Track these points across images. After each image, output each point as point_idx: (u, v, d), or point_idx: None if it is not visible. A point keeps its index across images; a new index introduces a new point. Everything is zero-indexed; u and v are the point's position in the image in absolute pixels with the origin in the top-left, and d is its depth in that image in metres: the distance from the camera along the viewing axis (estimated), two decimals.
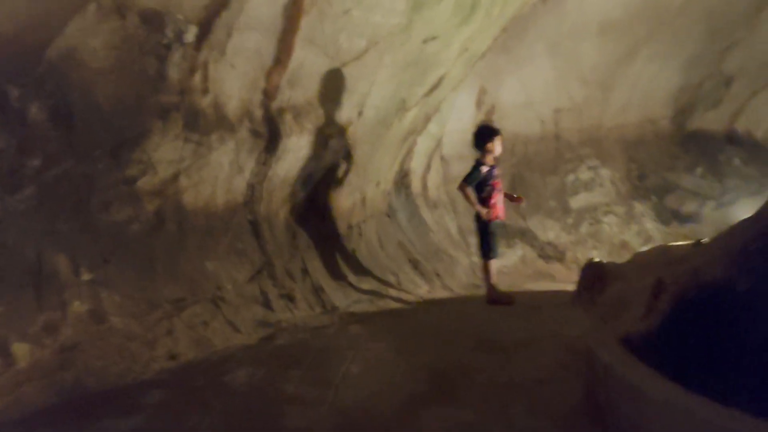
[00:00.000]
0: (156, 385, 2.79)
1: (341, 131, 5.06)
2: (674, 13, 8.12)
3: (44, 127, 3.14)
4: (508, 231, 7.47)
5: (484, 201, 4.68)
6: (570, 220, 8.39)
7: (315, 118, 4.70)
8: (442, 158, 7.74)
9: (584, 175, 8.75)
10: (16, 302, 2.87)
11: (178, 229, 3.83)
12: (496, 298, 4.68)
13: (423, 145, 7.14)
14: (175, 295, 3.57)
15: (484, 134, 4.80)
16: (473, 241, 5.86)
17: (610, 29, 7.99)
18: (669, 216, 8.71)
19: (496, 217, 4.74)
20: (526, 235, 7.98)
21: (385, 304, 4.81)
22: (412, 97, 5.76)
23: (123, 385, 2.81)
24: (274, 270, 4.40)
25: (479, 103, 7.91)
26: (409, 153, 6.97)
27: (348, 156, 5.33)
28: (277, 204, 4.77)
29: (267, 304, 4.08)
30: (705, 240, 3.67)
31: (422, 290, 5.67)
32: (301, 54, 4.22)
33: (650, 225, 8.52)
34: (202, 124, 3.84)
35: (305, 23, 4.07)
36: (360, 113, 5.17)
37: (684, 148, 9.56)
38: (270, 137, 4.39)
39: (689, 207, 8.76)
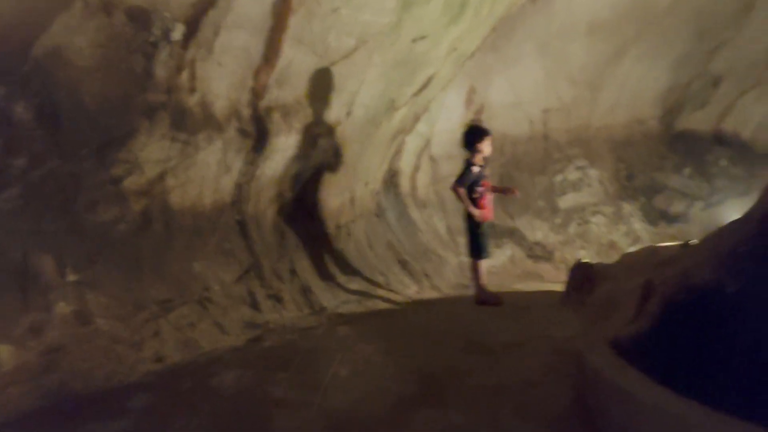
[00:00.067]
0: (142, 387, 2.76)
1: (330, 130, 5.04)
2: (662, 13, 8.16)
3: (30, 126, 3.10)
4: (496, 231, 7.48)
5: (475, 202, 4.67)
6: (558, 220, 8.41)
7: (303, 117, 4.67)
8: (431, 158, 7.73)
9: (572, 175, 8.78)
10: (0, 304, 2.83)
11: (165, 230, 3.80)
12: (484, 299, 4.67)
13: (412, 144, 7.13)
14: (161, 296, 3.54)
15: (474, 134, 4.79)
16: (462, 240, 5.86)
17: (598, 29, 8.02)
18: (657, 216, 8.75)
19: (487, 218, 4.75)
20: (514, 235, 8.00)
21: (374, 304, 4.79)
22: (402, 96, 5.74)
23: (109, 387, 2.78)
24: (261, 270, 4.37)
25: (468, 103, 7.91)
26: (398, 152, 6.96)
27: (337, 155, 5.31)
28: (265, 204, 4.73)
29: (255, 305, 4.05)
30: (693, 241, 3.68)
31: (411, 290, 5.66)
32: (290, 53, 4.19)
33: (638, 225, 8.56)
34: (190, 123, 3.81)
35: (294, 22, 4.04)
36: (349, 112, 5.15)
37: (672, 148, 9.61)
38: (258, 136, 4.36)
39: (677, 207, 8.81)
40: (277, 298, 4.28)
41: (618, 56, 8.52)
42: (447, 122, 7.50)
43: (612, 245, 8.11)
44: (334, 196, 5.58)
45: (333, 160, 5.29)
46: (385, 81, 5.27)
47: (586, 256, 6.96)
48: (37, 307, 2.95)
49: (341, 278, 5.08)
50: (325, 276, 4.97)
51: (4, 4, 2.95)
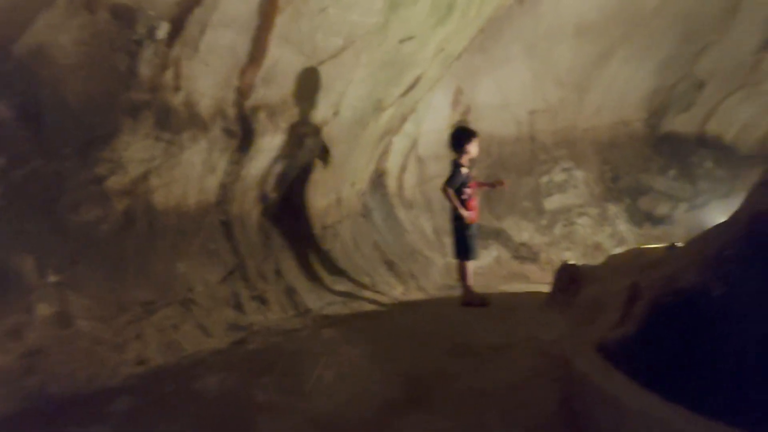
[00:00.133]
0: (124, 391, 2.72)
1: (317, 130, 5.00)
2: (649, 15, 8.19)
3: (12, 125, 3.06)
4: (482, 232, 7.48)
5: (464, 203, 4.67)
6: (544, 222, 8.44)
7: (290, 117, 4.64)
8: (418, 158, 7.72)
9: (558, 176, 8.81)
10: None
11: (149, 230, 3.75)
12: (471, 300, 4.67)
13: (399, 145, 7.12)
14: (144, 297, 3.49)
15: (462, 135, 4.79)
16: (448, 241, 5.85)
17: (585, 31, 8.04)
18: (642, 218, 8.80)
19: (475, 220, 4.75)
20: (500, 236, 8.01)
21: (360, 306, 4.77)
22: (389, 96, 5.72)
23: (90, 391, 2.73)
24: (246, 271, 4.33)
25: (455, 104, 7.92)
26: (385, 153, 6.95)
27: (324, 156, 5.27)
28: (250, 204, 4.70)
29: (239, 307, 4.01)
30: (679, 244, 3.70)
31: (397, 291, 5.64)
32: (277, 52, 4.16)
33: (623, 227, 8.60)
34: (174, 122, 3.77)
35: (281, 21, 4.01)
36: (336, 112, 5.13)
37: (657, 150, 9.66)
38: (243, 136, 4.32)
39: (662, 209, 8.86)
40: (262, 300, 4.24)
41: (604, 58, 8.55)
42: (434, 123, 7.50)
43: (597, 246, 8.15)
44: (321, 197, 5.55)
45: (319, 161, 5.25)
46: (372, 81, 5.24)
47: (572, 258, 6.99)
48: (17, 308, 2.91)
49: (327, 279, 5.05)
50: (311, 277, 4.94)
51: None
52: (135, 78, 3.46)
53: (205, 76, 3.88)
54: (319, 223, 5.49)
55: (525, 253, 7.89)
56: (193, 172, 4.05)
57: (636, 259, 4.21)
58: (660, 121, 9.81)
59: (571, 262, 4.58)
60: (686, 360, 1.98)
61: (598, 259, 6.35)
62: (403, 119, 6.69)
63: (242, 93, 4.18)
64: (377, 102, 5.60)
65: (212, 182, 4.27)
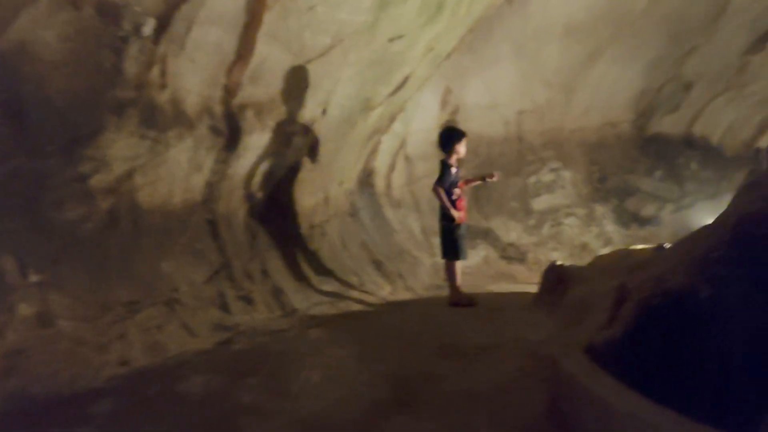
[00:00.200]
0: (106, 393, 2.68)
1: (305, 129, 4.97)
2: (637, 17, 8.22)
3: None
4: (470, 232, 7.47)
5: (453, 203, 4.66)
6: (532, 222, 8.45)
7: (278, 115, 4.61)
8: (407, 158, 7.70)
9: (546, 177, 8.83)
10: None
11: (133, 229, 3.71)
12: (459, 300, 4.66)
13: (387, 144, 7.09)
14: (128, 297, 3.45)
15: (452, 136, 4.78)
16: (436, 241, 5.84)
17: (574, 31, 8.05)
18: (629, 218, 8.84)
19: (464, 220, 4.75)
20: (488, 236, 8.01)
21: (347, 306, 4.74)
22: (377, 96, 5.70)
23: (71, 393, 2.69)
24: (232, 271, 4.29)
25: (444, 104, 7.90)
26: (373, 152, 6.92)
27: (311, 154, 5.24)
28: (236, 203, 4.66)
29: (224, 307, 3.97)
30: (667, 245, 3.71)
31: (385, 291, 5.62)
32: (264, 50, 4.12)
33: (610, 227, 8.63)
34: (160, 120, 3.72)
35: (268, 18, 3.97)
36: (324, 111, 5.09)
37: (644, 151, 9.71)
38: (230, 134, 4.28)
39: (649, 210, 8.91)
40: (248, 300, 4.20)
41: (592, 59, 8.58)
42: (422, 122, 7.48)
43: (584, 247, 8.17)
44: (308, 196, 5.52)
45: (307, 159, 5.22)
46: (360, 80, 5.22)
47: (559, 258, 7.00)
48: None
49: (314, 279, 5.02)
50: (298, 277, 4.90)
51: None
52: (120, 75, 3.42)
53: (192, 74, 3.83)
54: (306, 223, 5.45)
55: (513, 253, 7.90)
56: (178, 171, 4.01)
57: (623, 259, 4.22)
58: (647, 122, 9.87)
59: (559, 262, 4.58)
60: (674, 362, 1.98)
61: (585, 260, 6.36)
62: (392, 118, 6.67)
63: (229, 91, 4.14)
64: (366, 101, 5.57)
65: (198, 181, 4.23)
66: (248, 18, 3.89)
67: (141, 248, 3.73)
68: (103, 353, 3.04)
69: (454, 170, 4.70)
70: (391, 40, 5.06)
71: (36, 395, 2.66)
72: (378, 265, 6.16)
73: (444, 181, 4.65)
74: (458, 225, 4.68)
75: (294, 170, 5.16)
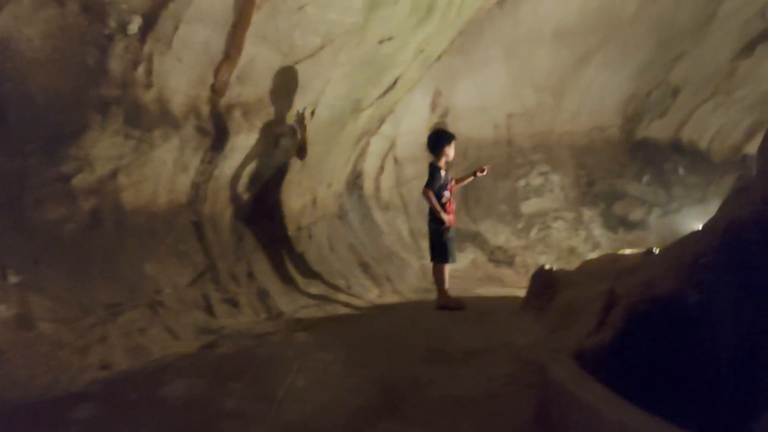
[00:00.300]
0: (86, 397, 2.61)
1: (293, 130, 4.93)
2: (626, 22, 8.26)
3: None
4: (459, 235, 7.46)
5: (443, 206, 4.64)
6: (520, 225, 8.46)
7: (266, 116, 4.56)
8: (396, 160, 7.69)
9: (535, 180, 8.84)
10: None
11: (116, 230, 3.65)
12: (447, 304, 4.63)
13: (377, 146, 7.07)
14: (110, 299, 3.39)
15: (441, 138, 4.76)
16: (425, 244, 5.82)
17: (564, 35, 8.08)
18: (616, 223, 8.87)
19: (453, 223, 4.73)
20: (477, 239, 8.00)
21: (334, 309, 4.70)
22: (367, 97, 5.67)
23: (50, 397, 2.62)
24: (217, 273, 4.24)
25: (434, 106, 7.90)
26: (362, 154, 6.89)
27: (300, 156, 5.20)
28: (222, 204, 4.61)
29: (209, 310, 3.92)
30: (656, 249, 3.71)
31: (372, 294, 5.59)
32: (253, 49, 4.08)
33: (598, 231, 8.65)
34: (145, 119, 3.67)
35: (257, 18, 3.93)
36: (313, 112, 5.06)
37: (632, 156, 9.76)
38: (217, 135, 4.23)
39: (636, 214, 8.94)
40: (233, 303, 4.15)
41: (582, 63, 8.60)
42: (412, 124, 7.47)
43: (572, 251, 8.18)
44: (296, 198, 5.48)
45: (295, 161, 5.18)
46: (350, 81, 5.19)
47: (547, 261, 6.99)
48: None
49: (301, 282, 4.97)
50: (284, 279, 4.86)
51: None
52: (105, 73, 3.37)
53: (179, 73, 3.79)
54: (293, 225, 5.41)
55: (501, 257, 7.90)
56: (164, 171, 3.96)
57: (611, 264, 4.22)
58: (635, 126, 9.92)
59: (547, 266, 4.57)
60: (663, 367, 1.97)
61: (573, 263, 6.37)
62: (382, 120, 6.64)
63: (217, 91, 4.10)
64: (355, 102, 5.54)
65: (184, 181, 4.17)
66: (237, 17, 3.85)
67: (124, 249, 3.67)
68: (83, 356, 2.97)
69: (443, 173, 4.68)
70: (381, 41, 5.03)
71: (14, 399, 2.59)
72: (366, 267, 6.12)
73: (433, 184, 4.62)
74: (447, 228, 4.66)
75: (282, 171, 5.12)
